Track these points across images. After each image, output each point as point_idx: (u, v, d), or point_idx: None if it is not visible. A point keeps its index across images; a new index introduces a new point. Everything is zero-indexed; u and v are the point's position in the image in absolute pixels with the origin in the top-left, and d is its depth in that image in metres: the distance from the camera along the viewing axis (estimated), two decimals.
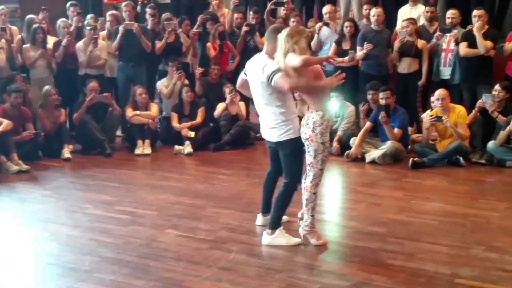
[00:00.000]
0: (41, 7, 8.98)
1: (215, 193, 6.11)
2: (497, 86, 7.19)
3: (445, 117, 6.98)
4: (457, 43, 7.78)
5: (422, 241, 4.67)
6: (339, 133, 7.72)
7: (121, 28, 8.38)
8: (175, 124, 8.18)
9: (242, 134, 8.24)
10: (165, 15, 8.94)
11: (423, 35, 8.11)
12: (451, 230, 4.92)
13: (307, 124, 4.43)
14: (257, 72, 4.44)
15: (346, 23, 8.36)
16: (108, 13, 9.07)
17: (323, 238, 4.64)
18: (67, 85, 8.39)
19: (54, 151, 7.71)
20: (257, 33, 8.66)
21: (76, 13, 8.88)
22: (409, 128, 7.88)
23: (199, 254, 4.48)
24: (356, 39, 8.22)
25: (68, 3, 9.15)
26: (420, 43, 7.96)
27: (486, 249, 4.48)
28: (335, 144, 7.54)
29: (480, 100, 7.27)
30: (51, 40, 8.49)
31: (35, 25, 8.29)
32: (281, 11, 9.29)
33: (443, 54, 7.97)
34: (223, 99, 8.33)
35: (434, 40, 7.99)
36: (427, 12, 8.31)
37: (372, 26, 8.21)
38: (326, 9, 8.73)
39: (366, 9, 8.62)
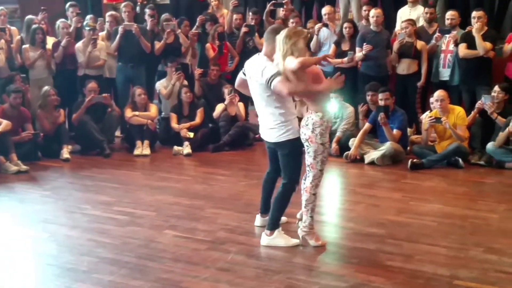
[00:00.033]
0: (41, 8, 8.99)
1: (214, 193, 6.10)
2: (496, 88, 7.19)
3: (444, 118, 6.98)
4: (456, 44, 7.77)
5: (421, 242, 4.67)
6: (338, 134, 7.72)
7: (120, 29, 8.38)
8: (174, 124, 8.18)
9: (241, 134, 8.23)
10: (164, 15, 8.94)
11: (422, 36, 8.11)
12: (450, 232, 4.92)
13: (307, 125, 4.43)
14: (256, 74, 4.44)
15: (345, 24, 8.36)
16: (108, 13, 9.07)
17: (322, 239, 4.64)
18: (66, 86, 8.38)
19: (53, 151, 7.71)
20: (256, 34, 8.68)
21: (76, 13, 8.88)
22: (408, 129, 7.88)
23: (197, 255, 4.48)
24: (355, 40, 8.22)
25: (68, 4, 9.15)
26: (419, 44, 7.96)
27: (484, 251, 4.48)
28: (334, 145, 7.54)
29: (479, 101, 7.27)
30: (50, 41, 8.49)
31: (34, 26, 8.28)
32: (280, 12, 9.31)
33: (442, 55, 7.98)
34: (222, 100, 8.33)
35: (433, 41, 7.99)
36: (426, 13, 8.31)
37: (371, 27, 8.21)
38: (325, 10, 8.74)
39: (365, 10, 8.63)
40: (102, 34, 8.81)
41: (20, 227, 5.27)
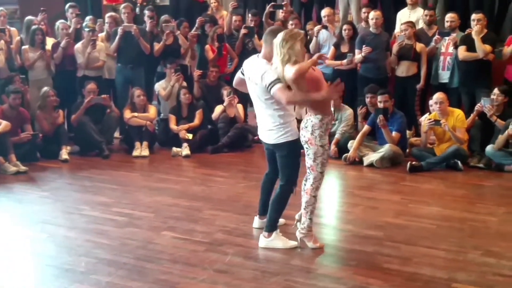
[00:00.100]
0: (40, 9, 8.99)
1: (212, 195, 6.10)
2: (495, 90, 7.19)
3: (444, 121, 6.97)
4: (456, 47, 7.77)
5: (419, 245, 4.66)
6: (337, 136, 7.72)
7: (119, 30, 8.37)
8: (173, 126, 8.17)
9: (240, 136, 8.23)
10: (163, 17, 8.94)
11: (422, 38, 8.11)
12: (448, 235, 4.91)
13: (306, 127, 4.43)
14: (256, 77, 4.42)
15: (345, 26, 8.36)
16: (107, 14, 9.07)
17: (320, 241, 4.64)
18: (66, 87, 8.38)
19: (52, 152, 7.70)
20: (256, 36, 8.67)
21: (75, 14, 8.88)
22: (407, 132, 7.87)
23: (195, 256, 4.48)
24: (354, 42, 8.22)
25: (67, 5, 9.16)
26: (419, 46, 7.96)
27: (483, 254, 4.47)
28: (333, 147, 7.53)
29: (478, 104, 7.27)
30: (50, 42, 8.50)
31: (34, 27, 8.28)
32: (280, 14, 9.32)
33: (441, 58, 7.97)
34: (221, 101, 8.33)
35: (432, 44, 7.99)
36: (426, 15, 8.30)
37: (371, 29, 8.21)
38: (324, 12, 8.74)
39: (364, 12, 8.63)
40: (102, 35, 8.81)
41: (18, 228, 5.27)
